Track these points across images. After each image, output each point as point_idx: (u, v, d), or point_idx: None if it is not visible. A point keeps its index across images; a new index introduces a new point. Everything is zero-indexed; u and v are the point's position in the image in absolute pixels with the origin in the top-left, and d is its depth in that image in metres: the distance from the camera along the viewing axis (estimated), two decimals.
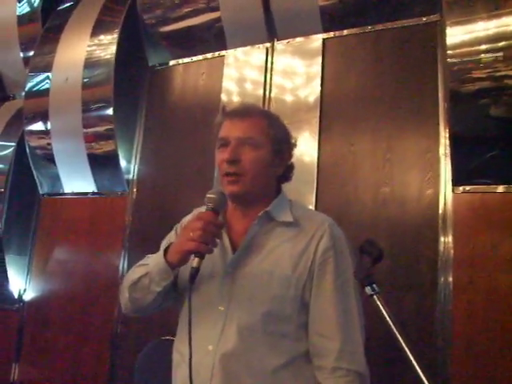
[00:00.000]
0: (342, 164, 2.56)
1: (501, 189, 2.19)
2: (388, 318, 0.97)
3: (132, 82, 3.19)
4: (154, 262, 1.33)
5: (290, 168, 1.44)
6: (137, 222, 3.09)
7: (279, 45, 2.81)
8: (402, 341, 0.93)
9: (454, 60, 2.14)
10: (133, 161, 3.17)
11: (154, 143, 3.15)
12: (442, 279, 2.23)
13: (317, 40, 2.70)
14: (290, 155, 1.43)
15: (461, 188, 2.26)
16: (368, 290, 1.01)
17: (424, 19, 2.48)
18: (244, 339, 1.24)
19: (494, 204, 2.19)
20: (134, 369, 2.54)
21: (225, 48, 2.96)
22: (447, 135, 2.34)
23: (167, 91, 3.19)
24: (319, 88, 2.66)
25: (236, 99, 2.87)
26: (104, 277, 3.10)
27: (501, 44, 2.04)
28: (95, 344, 3.02)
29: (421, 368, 0.90)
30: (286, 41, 2.79)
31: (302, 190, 2.56)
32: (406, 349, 0.93)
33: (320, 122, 2.62)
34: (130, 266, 3.03)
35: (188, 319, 1.18)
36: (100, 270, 3.12)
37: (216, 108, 2.90)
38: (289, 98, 2.74)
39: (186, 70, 3.13)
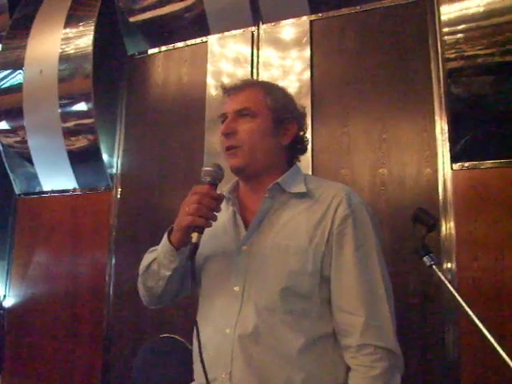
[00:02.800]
0: (337, 147, 2.51)
1: (499, 164, 2.18)
2: (451, 288, 0.91)
3: (111, 72, 3.06)
4: (161, 245, 1.27)
5: (300, 139, 1.38)
6: (123, 218, 2.96)
7: (265, 28, 2.74)
8: (468, 310, 0.88)
9: (449, 37, 2.12)
10: (115, 155, 3.04)
11: (138, 135, 3.03)
12: (446, 259, 2.21)
13: (304, 22, 2.64)
14: (298, 125, 1.36)
15: (459, 165, 2.25)
16: (427, 260, 0.95)
17: None
18: (263, 320, 1.17)
19: (494, 179, 2.18)
20: (132, 369, 2.44)
21: (208, 33, 2.86)
22: (442, 113, 2.33)
23: (149, 81, 3.07)
24: (309, 71, 2.59)
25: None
26: (90, 277, 2.96)
27: (500, 19, 2.02)
28: (86, 348, 2.88)
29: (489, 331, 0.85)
30: (272, 24, 2.72)
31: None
32: (473, 316, 0.87)
33: (312, 104, 2.56)
34: (117, 265, 2.97)
35: (199, 302, 1.17)
36: (86, 271, 2.97)
37: (202, 96, 2.82)
38: (278, 81, 2.66)
39: (167, 58, 3.02)
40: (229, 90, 1.36)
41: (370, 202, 2.37)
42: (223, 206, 1.31)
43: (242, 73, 2.74)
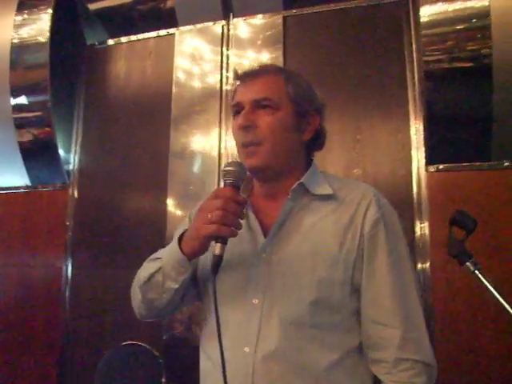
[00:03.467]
0: None
1: (472, 167, 2.21)
2: (497, 295, 0.87)
3: (68, 62, 2.85)
4: (167, 254, 1.11)
5: (320, 134, 1.22)
6: (80, 218, 2.77)
7: (236, 22, 2.64)
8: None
9: (428, 40, 2.12)
10: (72, 150, 2.85)
11: (98, 130, 2.85)
12: (420, 259, 2.21)
13: (277, 17, 2.57)
14: (319, 117, 1.21)
15: (434, 167, 2.26)
16: (470, 266, 0.90)
17: None
18: (289, 336, 1.04)
19: (467, 182, 2.21)
20: (94, 380, 2.28)
21: (175, 25, 2.73)
22: (417, 115, 2.34)
23: (110, 72, 2.89)
24: (282, 65, 2.53)
25: (189, 81, 2.67)
26: (44, 280, 2.74)
27: (476, 23, 2.04)
28: (39, 357, 2.67)
29: None
30: (244, 18, 2.63)
31: None
32: None
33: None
34: (74, 267, 2.78)
35: (215, 317, 0.98)
36: (39, 275, 2.75)
37: (168, 91, 2.69)
38: None
39: (130, 50, 2.86)
40: (244, 76, 1.19)
41: None
42: None
43: (211, 68, 2.64)
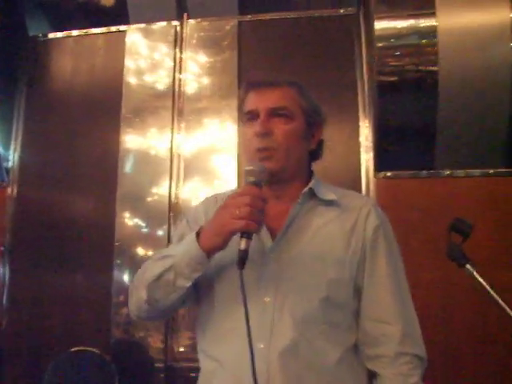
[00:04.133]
0: None
1: (419, 174, 2.35)
2: (494, 295, 0.95)
3: (8, 54, 2.69)
4: (181, 251, 1.10)
5: (321, 144, 1.30)
6: (20, 219, 2.61)
7: (191, 24, 2.63)
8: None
9: (381, 53, 2.22)
10: (12, 146, 2.69)
11: (41, 127, 2.70)
12: None
13: (232, 21, 2.59)
14: (322, 129, 1.29)
15: (382, 174, 2.38)
16: (470, 268, 0.98)
17: (341, 11, 2.55)
18: (301, 332, 1.08)
19: (414, 189, 2.34)
20: None
21: (127, 23, 2.66)
22: (367, 123, 2.44)
23: (55, 67, 2.76)
24: (236, 73, 2.54)
25: (141, 80, 2.61)
26: None
27: (425, 40, 2.18)
28: None
29: None
30: (198, 20, 2.62)
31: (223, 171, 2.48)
32: None
33: (238, 106, 2.50)
34: (13, 273, 2.62)
35: (245, 313, 0.98)
36: None
37: (118, 89, 2.61)
38: (202, 82, 2.58)
39: (78, 44, 2.74)
40: (257, 85, 1.22)
41: None
42: None
43: (163, 68, 2.60)
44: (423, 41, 2.18)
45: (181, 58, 2.61)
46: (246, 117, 1.21)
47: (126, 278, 2.47)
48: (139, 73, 2.62)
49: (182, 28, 2.63)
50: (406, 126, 2.28)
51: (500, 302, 0.99)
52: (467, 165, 2.26)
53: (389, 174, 2.37)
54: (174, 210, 2.49)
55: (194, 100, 2.57)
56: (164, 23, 2.64)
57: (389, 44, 2.20)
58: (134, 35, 2.66)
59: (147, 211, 2.51)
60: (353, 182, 2.41)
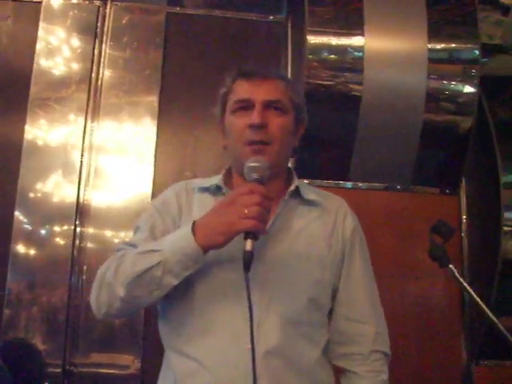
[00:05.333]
0: (183, 149, 2.43)
1: (329, 184, 2.43)
2: (472, 292, 1.08)
3: None
4: (171, 246, 1.02)
5: (298, 141, 1.29)
6: None
7: (115, 6, 2.47)
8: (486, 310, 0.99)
9: (310, 65, 2.27)
10: None
11: None
12: None
13: (160, 11, 2.49)
14: (305, 126, 1.29)
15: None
16: (452, 268, 1.05)
17: (271, 17, 2.57)
18: (287, 332, 1.07)
19: None
20: None
21: None
22: None
23: None
24: (160, 65, 2.45)
25: (54, 63, 2.39)
26: None
27: (353, 57, 2.27)
28: None
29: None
30: (123, 3, 2.47)
31: (139, 170, 2.34)
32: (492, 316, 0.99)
33: (159, 103, 2.41)
34: None
35: (249, 316, 0.95)
36: None
37: (28, 67, 2.36)
38: (123, 71, 2.43)
39: None
40: (250, 74, 1.18)
41: None
42: (211, 200, 1.16)
43: (82, 48, 2.41)
44: (351, 58, 2.28)
45: (101, 43, 2.44)
46: (236, 106, 1.16)
47: None
48: (52, 53, 2.39)
49: (104, 10, 2.46)
50: (326, 137, 2.36)
51: (479, 301, 1.07)
52: (379, 179, 2.40)
53: (306, 181, 2.43)
54: (81, 210, 2.30)
55: (111, 91, 2.40)
56: (86, 1, 2.45)
57: (318, 58, 2.26)
58: (50, 9, 2.42)
59: (51, 210, 2.28)
60: None
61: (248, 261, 0.96)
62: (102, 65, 2.42)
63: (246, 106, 1.15)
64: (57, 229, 2.26)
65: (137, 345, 2.18)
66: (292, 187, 1.19)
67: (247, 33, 2.55)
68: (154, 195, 2.29)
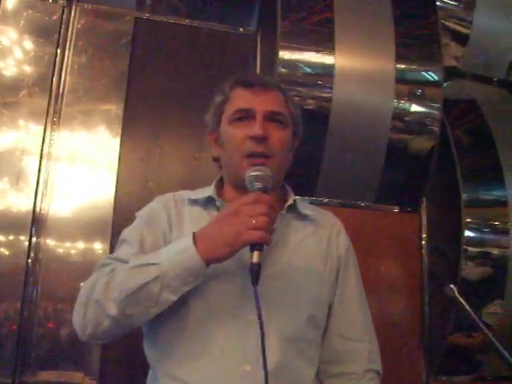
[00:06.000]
0: (147, 159, 2.35)
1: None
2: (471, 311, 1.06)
3: None
4: (170, 259, 0.95)
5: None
6: None
7: (80, 7, 2.36)
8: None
9: (282, 79, 2.23)
10: None
11: None
12: None
13: (128, 15, 2.40)
14: (300, 141, 1.27)
15: None
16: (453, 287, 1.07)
17: (241, 29, 2.55)
18: (286, 351, 1.04)
19: None
20: None
21: None
22: None
23: None
24: (126, 72, 2.35)
25: (10, 63, 2.25)
26: None
27: (323, 75, 2.28)
28: None
29: None
30: (90, 5, 2.37)
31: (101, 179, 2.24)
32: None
33: (124, 110, 2.31)
34: None
35: (261, 337, 0.90)
36: None
37: None
38: (85, 77, 2.32)
39: None
40: (249, 83, 1.13)
41: None
42: (203, 214, 1.11)
43: (37, 50, 2.27)
44: (321, 75, 2.29)
45: (63, 45, 2.32)
46: (235, 116, 1.11)
47: None
48: (8, 57, 2.25)
49: (70, 9, 2.35)
50: (295, 152, 2.34)
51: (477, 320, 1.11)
52: (345, 196, 2.41)
53: None
54: (38, 221, 2.16)
55: (72, 97, 2.29)
56: (49, 0, 2.33)
57: (289, 73, 2.26)
58: (9, 5, 2.29)
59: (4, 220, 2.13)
60: None
61: (256, 273, 0.92)
62: (63, 69, 2.29)
63: (246, 116, 1.11)
64: (10, 239, 2.12)
65: (88, 362, 2.08)
66: (290, 201, 1.17)
67: (216, 43, 2.51)
68: (116, 205, 2.20)
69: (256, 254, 0.93)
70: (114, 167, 2.25)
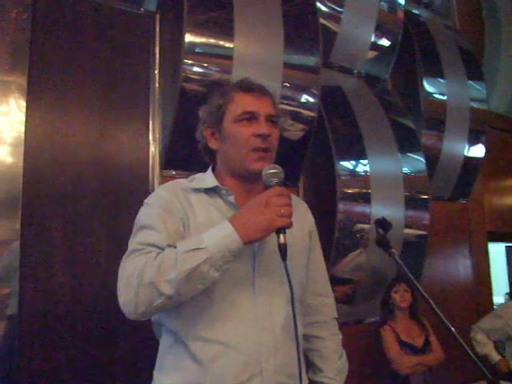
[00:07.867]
0: (54, 139, 2.31)
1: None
2: (407, 270, 1.40)
3: None
4: (216, 243, 1.15)
5: None
6: None
7: None
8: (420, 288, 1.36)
9: (187, 64, 2.41)
10: None
11: None
12: None
13: None
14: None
15: (167, 171, 2.57)
16: (394, 252, 1.39)
17: (142, 10, 2.61)
18: (289, 311, 1.26)
19: None
20: None
21: None
22: (156, 122, 2.58)
23: None
24: (27, 50, 2.25)
25: None
26: None
27: (224, 57, 2.49)
28: None
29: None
30: None
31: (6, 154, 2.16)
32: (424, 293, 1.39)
33: (28, 89, 2.22)
34: None
35: (291, 300, 1.20)
36: None
37: None
38: None
39: None
40: (251, 88, 1.35)
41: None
42: (207, 199, 1.32)
43: None
44: (222, 59, 2.49)
45: None
46: (242, 116, 1.33)
47: None
48: None
49: None
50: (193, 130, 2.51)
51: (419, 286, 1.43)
52: None
53: (173, 172, 2.58)
54: None
55: None
56: None
57: (194, 56, 2.42)
58: None
59: None
60: (142, 177, 2.51)
61: (285, 251, 1.19)
62: None
63: (250, 117, 1.32)
64: None
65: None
66: None
67: (118, 22, 2.53)
68: (24, 180, 2.16)
69: (282, 236, 1.19)
70: (20, 142, 2.19)
